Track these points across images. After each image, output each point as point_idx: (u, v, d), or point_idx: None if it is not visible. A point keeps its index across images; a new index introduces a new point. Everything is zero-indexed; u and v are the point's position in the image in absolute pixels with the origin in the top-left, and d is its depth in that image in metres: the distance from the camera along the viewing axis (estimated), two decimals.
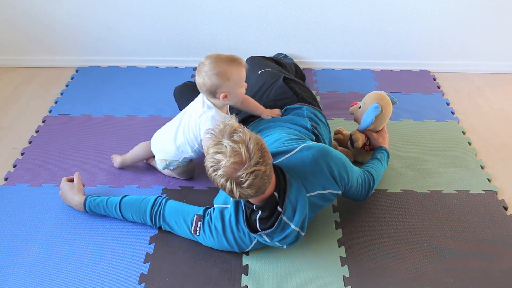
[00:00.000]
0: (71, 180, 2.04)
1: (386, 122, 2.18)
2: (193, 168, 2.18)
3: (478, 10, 2.82)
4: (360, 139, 2.18)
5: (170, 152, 2.05)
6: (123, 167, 2.24)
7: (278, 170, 1.69)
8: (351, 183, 1.83)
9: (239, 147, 1.48)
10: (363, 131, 2.19)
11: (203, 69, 1.86)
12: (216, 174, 1.51)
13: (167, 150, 2.06)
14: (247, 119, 2.18)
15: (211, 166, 1.52)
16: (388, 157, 2.15)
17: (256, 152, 1.49)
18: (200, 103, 1.96)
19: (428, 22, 2.87)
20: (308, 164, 1.71)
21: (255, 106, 2.13)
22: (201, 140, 1.95)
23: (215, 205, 1.81)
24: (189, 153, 2.03)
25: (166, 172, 2.19)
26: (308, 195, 1.71)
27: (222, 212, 1.78)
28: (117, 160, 2.22)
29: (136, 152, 2.20)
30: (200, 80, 1.87)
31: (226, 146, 1.49)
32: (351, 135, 2.23)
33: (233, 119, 1.60)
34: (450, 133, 2.50)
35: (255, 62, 2.52)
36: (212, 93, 1.88)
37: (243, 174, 1.48)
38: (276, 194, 1.65)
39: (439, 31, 2.90)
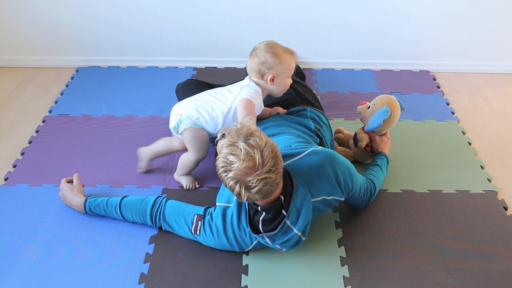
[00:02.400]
0: (71, 181, 2.04)
1: (391, 127, 2.18)
2: (206, 141, 1.98)
3: (478, 10, 2.82)
4: (365, 140, 2.18)
5: (189, 108, 1.95)
6: (148, 161, 2.18)
7: (286, 173, 1.68)
8: (355, 190, 1.83)
9: (254, 152, 1.47)
10: (367, 132, 2.20)
11: (257, 49, 1.90)
12: (226, 176, 1.50)
13: (185, 106, 1.98)
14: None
15: (222, 167, 1.50)
16: (388, 163, 2.15)
17: (270, 159, 1.48)
18: (246, 80, 1.95)
19: (428, 22, 2.87)
20: (315, 169, 1.71)
21: (265, 113, 2.11)
22: (234, 109, 1.89)
23: (217, 203, 1.81)
24: (204, 117, 1.93)
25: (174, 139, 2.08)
26: (312, 200, 1.71)
27: (224, 211, 1.77)
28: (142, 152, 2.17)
29: (157, 146, 2.15)
30: (252, 60, 1.89)
31: (241, 149, 1.47)
32: (356, 134, 2.23)
33: (251, 121, 1.58)
34: (450, 133, 2.50)
35: None
36: (261, 72, 1.89)
37: (253, 179, 1.47)
38: (282, 197, 1.65)
39: (439, 31, 2.90)
